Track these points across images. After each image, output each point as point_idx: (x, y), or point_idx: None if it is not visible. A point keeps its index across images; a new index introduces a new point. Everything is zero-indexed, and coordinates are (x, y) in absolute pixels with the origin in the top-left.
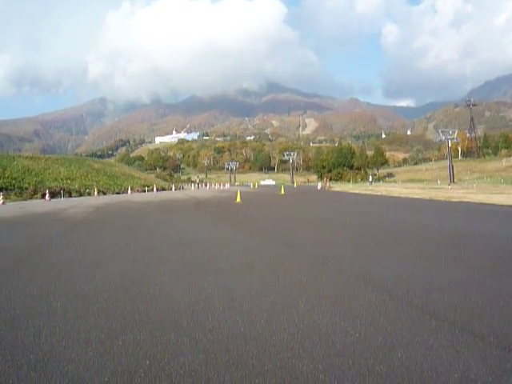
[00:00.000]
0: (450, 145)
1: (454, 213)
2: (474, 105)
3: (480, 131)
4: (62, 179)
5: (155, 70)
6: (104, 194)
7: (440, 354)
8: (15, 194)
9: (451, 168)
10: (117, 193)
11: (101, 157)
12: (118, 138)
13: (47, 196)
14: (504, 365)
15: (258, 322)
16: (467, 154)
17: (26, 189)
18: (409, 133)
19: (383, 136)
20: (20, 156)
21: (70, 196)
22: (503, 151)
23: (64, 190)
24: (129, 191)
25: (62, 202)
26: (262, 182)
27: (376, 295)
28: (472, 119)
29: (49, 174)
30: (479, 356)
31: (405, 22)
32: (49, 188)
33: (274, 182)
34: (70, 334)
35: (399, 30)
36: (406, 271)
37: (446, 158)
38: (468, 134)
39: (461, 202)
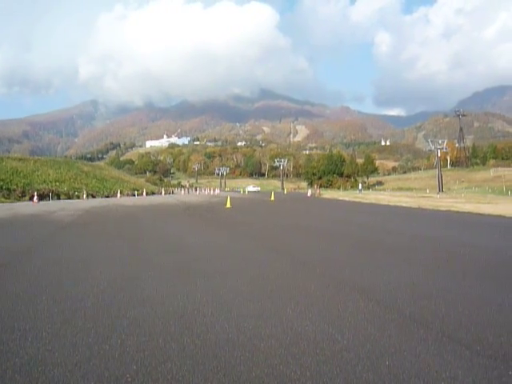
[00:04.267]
0: (439, 154)
1: (441, 222)
2: (463, 115)
3: (469, 141)
4: (50, 181)
5: (147, 74)
6: (93, 197)
7: (427, 362)
8: (3, 195)
9: (440, 177)
10: (106, 196)
11: (91, 160)
12: (109, 141)
13: (35, 198)
14: (490, 373)
15: (247, 328)
16: (456, 163)
17: (14, 190)
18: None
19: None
20: (9, 157)
21: (59, 198)
22: (491, 161)
23: (53, 193)
24: (118, 195)
25: (51, 205)
26: (249, 189)
27: (364, 302)
28: (461, 129)
29: (37, 175)
30: (466, 364)
31: (398, 32)
32: (37, 190)
33: (259, 188)
34: (56, 337)
35: (392, 39)
36: (395, 279)
37: (435, 167)
38: (457, 144)
39: (449, 211)
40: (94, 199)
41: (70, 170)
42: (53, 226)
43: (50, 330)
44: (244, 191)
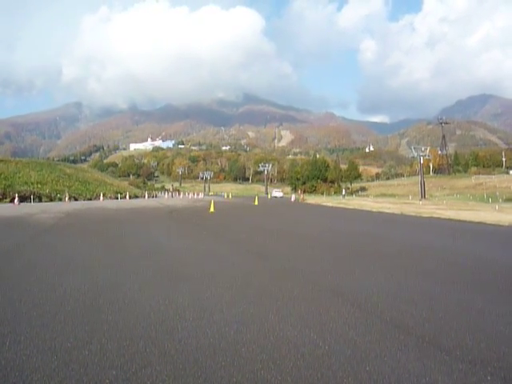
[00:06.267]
0: (421, 161)
1: (423, 228)
2: (446, 123)
3: (451, 149)
4: (32, 183)
5: (131, 77)
6: (75, 199)
7: (407, 367)
8: None
9: (423, 184)
10: (88, 199)
11: (74, 162)
12: (92, 143)
13: (16, 200)
14: (469, 378)
15: (228, 333)
16: (438, 170)
17: None
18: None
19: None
20: None
21: (40, 201)
22: (473, 169)
23: (34, 195)
24: (101, 198)
25: (32, 207)
26: (273, 194)
27: (346, 307)
28: (444, 137)
29: (19, 177)
30: (445, 369)
31: (383, 39)
32: (18, 192)
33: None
34: (35, 342)
35: (377, 46)
36: (376, 284)
37: (418, 174)
38: (439, 151)
39: (431, 218)
40: (77, 202)
41: (53, 172)
42: (34, 229)
43: (29, 335)
44: (228, 196)
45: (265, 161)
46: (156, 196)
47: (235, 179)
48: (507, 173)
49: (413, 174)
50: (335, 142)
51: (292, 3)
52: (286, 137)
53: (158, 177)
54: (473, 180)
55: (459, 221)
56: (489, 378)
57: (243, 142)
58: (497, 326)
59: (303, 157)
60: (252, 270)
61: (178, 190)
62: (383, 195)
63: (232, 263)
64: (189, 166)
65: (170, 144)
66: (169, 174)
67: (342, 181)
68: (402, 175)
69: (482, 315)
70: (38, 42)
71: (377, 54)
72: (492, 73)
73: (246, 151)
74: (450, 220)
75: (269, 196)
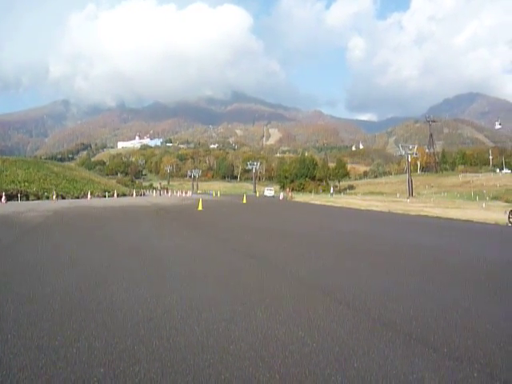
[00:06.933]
0: (409, 159)
1: (411, 226)
2: (434, 121)
3: (439, 147)
4: (19, 182)
5: (119, 74)
6: (63, 198)
7: (395, 364)
8: None
9: (410, 182)
10: (76, 197)
11: (61, 160)
12: (80, 141)
13: (3, 198)
14: (456, 375)
15: (216, 331)
16: (426, 168)
17: None
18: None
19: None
20: None
21: (28, 199)
22: (460, 167)
23: (21, 193)
24: (88, 196)
25: (19, 205)
26: (265, 193)
27: (334, 305)
28: (431, 135)
29: (6, 176)
30: (432, 366)
31: (371, 37)
32: (5, 190)
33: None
34: (22, 340)
35: (365, 44)
36: (364, 282)
37: (406, 172)
38: (427, 150)
39: (418, 216)
40: (64, 200)
41: (40, 170)
42: (21, 227)
43: (16, 333)
44: (216, 194)
45: (253, 159)
46: (144, 194)
47: (223, 177)
48: (494, 171)
49: (400, 172)
50: (323, 140)
51: (280, 1)
52: (275, 135)
53: (145, 175)
54: (460, 178)
55: (447, 219)
56: (475, 374)
57: (231, 140)
58: (484, 324)
59: (291, 155)
60: (240, 268)
61: (167, 189)
62: (371, 193)
63: (220, 261)
64: (177, 165)
65: (157, 142)
66: (157, 173)
67: (330, 179)
68: (389, 173)
69: (469, 313)
70: (24, 39)
71: (365, 52)
72: (479, 71)
73: (234, 149)
74: (438, 218)
75: (257, 194)
